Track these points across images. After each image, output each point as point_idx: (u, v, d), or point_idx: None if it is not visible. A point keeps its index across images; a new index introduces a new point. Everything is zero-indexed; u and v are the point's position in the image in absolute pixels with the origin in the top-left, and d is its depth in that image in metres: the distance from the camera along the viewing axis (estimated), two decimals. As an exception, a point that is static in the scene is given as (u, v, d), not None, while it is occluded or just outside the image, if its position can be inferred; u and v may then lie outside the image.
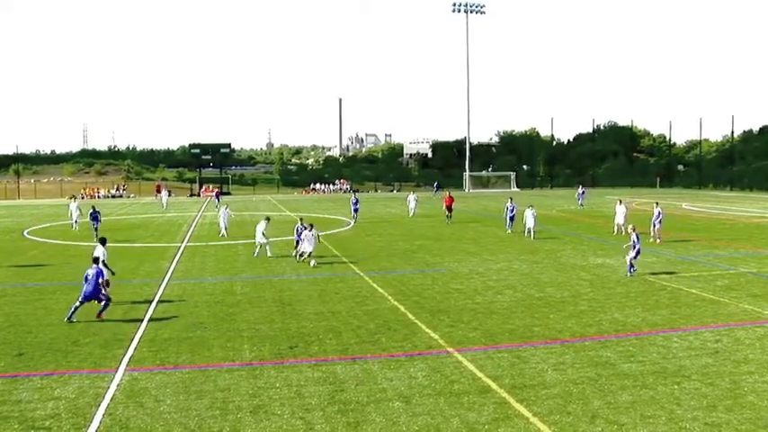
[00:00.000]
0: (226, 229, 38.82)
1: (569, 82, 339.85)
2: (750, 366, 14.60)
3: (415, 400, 12.51)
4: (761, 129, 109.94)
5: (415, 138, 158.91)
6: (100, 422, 11.45)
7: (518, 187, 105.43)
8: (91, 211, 40.55)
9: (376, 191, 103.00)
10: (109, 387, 13.23)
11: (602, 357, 15.24)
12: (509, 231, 40.67)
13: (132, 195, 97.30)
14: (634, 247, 25.01)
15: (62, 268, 28.22)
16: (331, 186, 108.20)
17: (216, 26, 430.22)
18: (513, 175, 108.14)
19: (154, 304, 20.75)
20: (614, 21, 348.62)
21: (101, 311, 18.75)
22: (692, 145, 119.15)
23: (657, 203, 38.40)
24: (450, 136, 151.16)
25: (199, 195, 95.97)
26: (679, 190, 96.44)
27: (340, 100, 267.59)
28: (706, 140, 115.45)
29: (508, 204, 42.27)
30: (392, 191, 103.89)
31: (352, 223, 47.75)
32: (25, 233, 43.42)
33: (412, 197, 54.48)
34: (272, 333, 17.33)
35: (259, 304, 20.53)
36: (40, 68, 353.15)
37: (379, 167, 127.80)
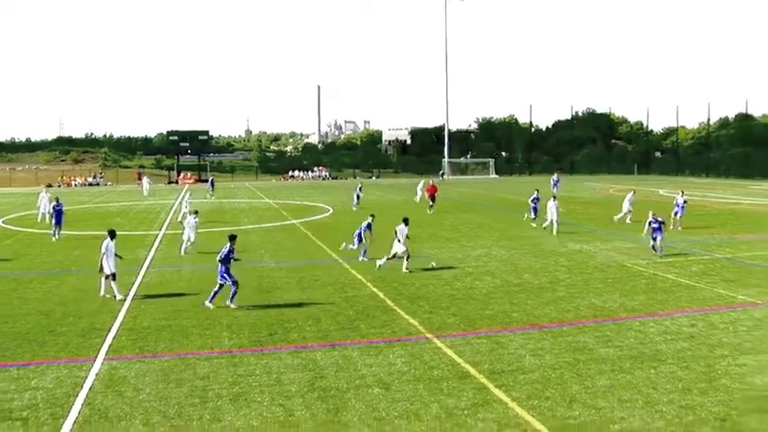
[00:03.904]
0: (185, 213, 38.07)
1: (548, 69, 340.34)
2: (724, 350, 14.81)
3: (394, 387, 12.57)
4: (736, 116, 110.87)
5: (394, 124, 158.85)
6: (78, 412, 11.40)
7: (497, 174, 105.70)
8: (54, 204, 34.27)
9: (355, 177, 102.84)
10: (87, 376, 13.16)
11: (580, 342, 15.37)
12: (526, 218, 38.85)
13: (109, 183, 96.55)
14: (656, 231, 26.29)
15: (38, 258, 27.99)
16: (310, 173, 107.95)
17: (193, 13, 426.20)
18: (491, 161, 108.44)
19: (132, 293, 20.64)
20: (592, 8, 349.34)
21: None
22: (669, 132, 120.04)
23: (683, 192, 38.03)
24: (428, 123, 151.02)
25: (177, 183, 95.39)
26: (656, 177, 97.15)
27: (318, 87, 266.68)
28: (682, 128, 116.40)
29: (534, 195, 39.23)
30: (371, 177, 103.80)
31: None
32: (0, 222, 42.97)
33: (420, 183, 55.14)
34: (251, 320, 17.32)
35: (238, 291, 20.46)
36: (15, 55, 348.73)
37: (358, 154, 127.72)
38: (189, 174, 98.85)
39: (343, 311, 18.26)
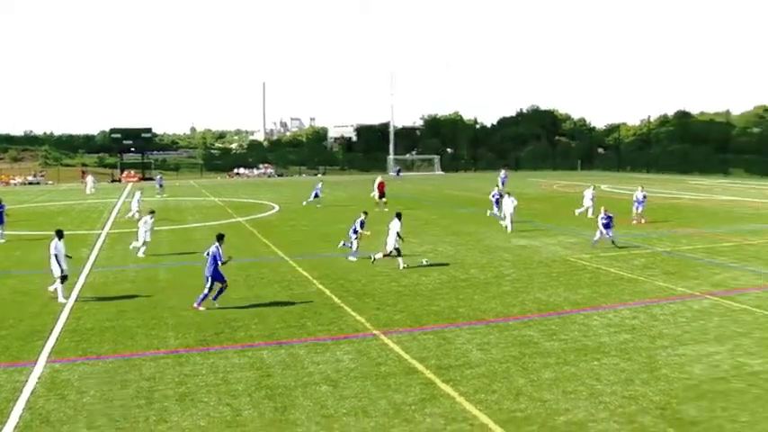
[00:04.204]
0: (138, 212, 37.60)
1: (493, 66, 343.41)
2: (664, 341, 15.18)
3: (342, 383, 12.59)
4: (675, 113, 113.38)
5: (340, 121, 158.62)
6: (19, 417, 11.16)
7: (443, 170, 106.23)
8: None
9: (300, 175, 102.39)
10: (27, 380, 12.87)
11: (526, 336, 15.59)
12: (490, 214, 39.24)
13: (51, 182, 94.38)
14: (606, 227, 27.43)
15: (-24, 258, 27.25)
16: (255, 171, 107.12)
17: (137, 10, 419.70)
18: (437, 158, 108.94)
19: (75, 293, 20.24)
20: (538, 8, 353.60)
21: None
22: (612, 129, 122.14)
23: (642, 187, 38.62)
24: (374, 119, 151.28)
25: (120, 181, 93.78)
26: (599, 172, 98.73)
27: (264, 84, 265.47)
28: (624, 124, 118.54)
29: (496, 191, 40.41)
30: (317, 174, 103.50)
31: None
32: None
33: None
34: (197, 320, 17.15)
35: (183, 291, 20.24)
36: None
37: (304, 152, 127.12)
38: (133, 172, 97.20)
39: (289, 309, 18.21)
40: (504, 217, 34.16)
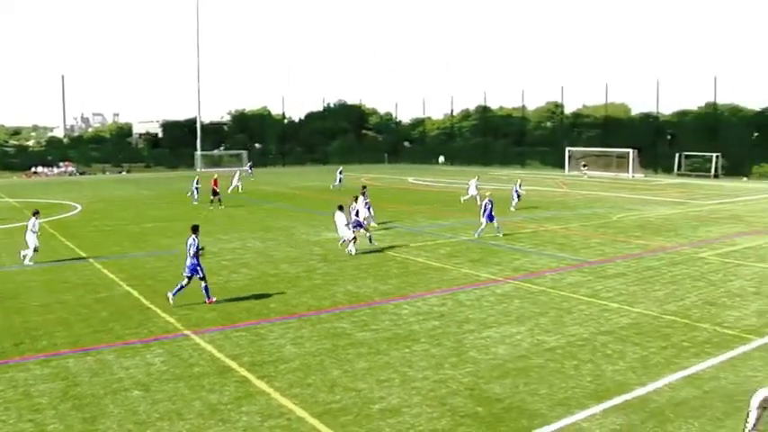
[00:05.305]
0: None
1: (299, 61, 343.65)
2: (471, 325, 15.86)
3: (154, 387, 12.13)
4: (476, 108, 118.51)
5: (145, 117, 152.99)
6: None
7: (243, 166, 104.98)
8: None
9: (104, 173, 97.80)
10: None
11: (338, 328, 15.72)
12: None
13: None
14: (485, 212, 28.84)
15: None
16: (55, 169, 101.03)
17: None
18: (245, 153, 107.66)
19: None
20: (341, 4, 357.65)
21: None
22: (417, 123, 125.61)
23: (521, 183, 41.50)
24: (181, 115, 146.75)
25: None
26: (405, 165, 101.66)
27: (63, 77, 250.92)
28: (429, 118, 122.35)
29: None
30: (121, 172, 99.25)
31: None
32: None
33: (236, 175, 55.57)
34: (-12, 331, 15.90)
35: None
36: None
37: (108, 148, 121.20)
38: None
39: (95, 314, 17.29)
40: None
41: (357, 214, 26.57)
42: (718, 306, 17.64)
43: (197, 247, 17.88)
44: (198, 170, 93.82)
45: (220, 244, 28.00)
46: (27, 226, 24.58)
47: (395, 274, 21.66)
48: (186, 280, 17.97)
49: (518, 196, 40.01)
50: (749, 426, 7.31)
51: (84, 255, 25.72)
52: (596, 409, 11.09)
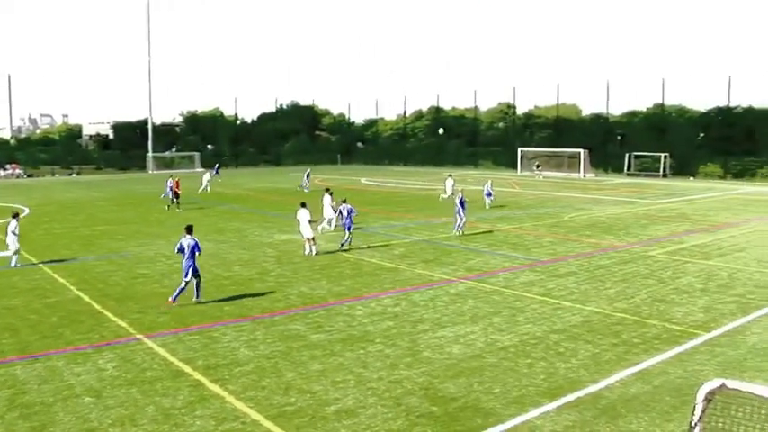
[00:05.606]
0: None
1: (252, 62, 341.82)
2: (425, 325, 15.92)
3: (106, 393, 11.92)
4: (429, 109, 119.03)
5: (95, 118, 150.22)
6: None
7: (203, 167, 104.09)
8: None
9: (53, 175, 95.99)
10: None
11: (292, 330, 15.65)
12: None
13: None
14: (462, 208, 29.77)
15: None
16: (2, 171, 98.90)
17: None
18: (197, 155, 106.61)
19: None
20: (292, 5, 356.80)
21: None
22: (370, 123, 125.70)
23: (492, 183, 42.92)
24: (132, 116, 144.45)
25: None
26: (358, 165, 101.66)
27: (9, 77, 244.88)
28: (382, 119, 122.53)
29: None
30: (71, 174, 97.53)
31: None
32: None
33: (206, 176, 56.17)
34: (-69, 338, 15.47)
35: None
36: None
37: (57, 150, 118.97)
38: None
39: (45, 319, 16.93)
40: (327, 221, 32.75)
41: (349, 214, 26.82)
42: (666, 303, 18.00)
43: (197, 248, 18.16)
44: (150, 172, 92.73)
45: (172, 247, 27.61)
46: (7, 229, 24.11)
47: (348, 275, 21.64)
48: (184, 283, 18.02)
49: (489, 195, 41.51)
50: (695, 418, 7.46)
51: (33, 259, 25.18)
52: (550, 406, 11.23)
